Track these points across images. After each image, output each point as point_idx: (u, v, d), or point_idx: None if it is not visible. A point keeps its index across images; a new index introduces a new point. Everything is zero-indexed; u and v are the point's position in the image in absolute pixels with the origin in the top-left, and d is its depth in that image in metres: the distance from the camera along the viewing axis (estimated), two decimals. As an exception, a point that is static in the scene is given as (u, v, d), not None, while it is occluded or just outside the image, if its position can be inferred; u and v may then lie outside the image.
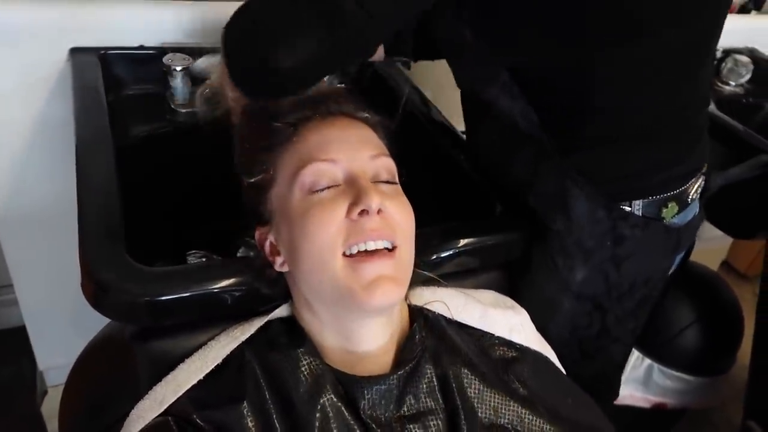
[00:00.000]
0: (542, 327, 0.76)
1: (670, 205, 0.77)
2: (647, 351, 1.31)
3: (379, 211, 0.57)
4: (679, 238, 0.80)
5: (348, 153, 0.60)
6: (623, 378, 1.33)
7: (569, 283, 0.80)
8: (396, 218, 0.59)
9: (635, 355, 1.33)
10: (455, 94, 0.91)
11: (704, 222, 1.39)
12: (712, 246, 2.07)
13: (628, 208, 0.75)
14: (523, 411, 0.61)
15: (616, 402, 1.34)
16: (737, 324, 1.35)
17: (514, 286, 0.84)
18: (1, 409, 1.38)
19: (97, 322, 0.74)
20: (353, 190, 0.58)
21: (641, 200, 0.75)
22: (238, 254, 0.73)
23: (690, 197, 0.79)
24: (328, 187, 0.58)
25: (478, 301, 0.72)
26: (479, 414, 0.59)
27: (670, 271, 0.87)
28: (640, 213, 0.75)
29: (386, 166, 0.62)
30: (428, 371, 0.60)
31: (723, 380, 1.37)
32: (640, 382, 1.34)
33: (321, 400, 0.56)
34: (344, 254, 0.56)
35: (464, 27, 0.75)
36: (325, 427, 0.55)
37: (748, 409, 1.19)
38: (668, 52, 0.69)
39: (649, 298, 0.86)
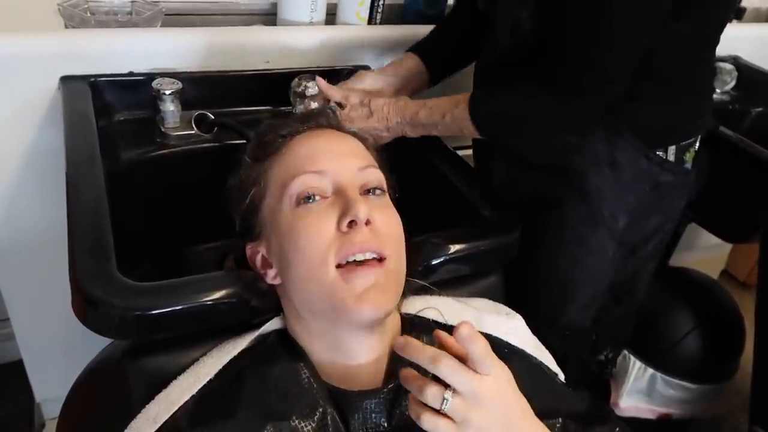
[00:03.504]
0: (587, 279, 0.92)
1: (690, 150, 0.90)
2: (649, 360, 1.31)
3: (367, 222, 0.57)
4: (690, 181, 0.92)
5: (336, 164, 0.61)
6: (626, 389, 1.33)
7: (614, 231, 0.90)
8: (384, 230, 0.59)
9: (637, 365, 1.32)
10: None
11: (702, 230, 1.41)
12: (711, 255, 2.07)
13: (663, 155, 0.87)
14: None
15: (620, 414, 1.33)
16: (737, 330, 1.35)
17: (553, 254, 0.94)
18: (0, 443, 1.37)
19: (94, 352, 0.74)
20: (341, 201, 0.58)
21: (674, 146, 0.87)
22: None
23: (698, 145, 0.92)
24: (317, 199, 0.59)
25: (473, 307, 0.72)
26: None
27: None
28: (672, 159, 0.88)
29: (375, 177, 0.63)
30: None
31: (727, 388, 1.36)
32: (643, 392, 1.33)
33: (315, 416, 0.56)
34: (337, 266, 0.57)
35: (523, 10, 0.83)
36: None
37: (753, 414, 1.17)
38: (709, 27, 0.84)
39: (665, 240, 0.99)
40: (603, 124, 0.85)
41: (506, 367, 0.52)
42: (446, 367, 0.48)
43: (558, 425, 0.61)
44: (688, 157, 0.90)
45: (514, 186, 0.95)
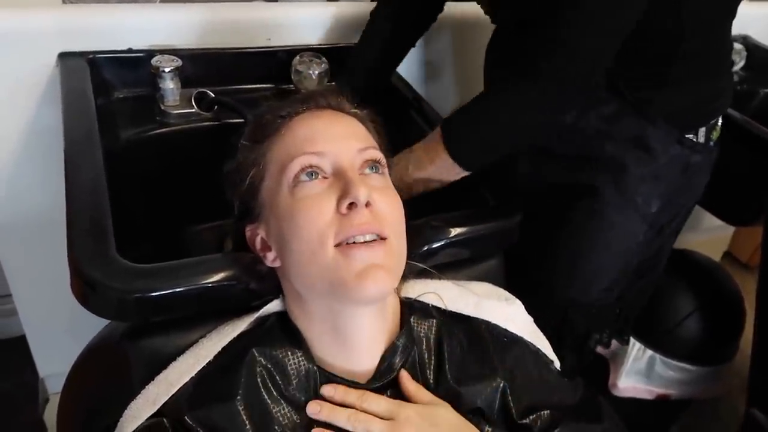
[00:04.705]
0: (617, 263, 0.93)
1: (717, 129, 0.90)
2: (649, 341, 1.31)
3: (367, 204, 0.56)
4: (715, 157, 0.92)
5: (336, 145, 0.60)
6: (625, 370, 1.34)
7: (646, 216, 0.90)
8: (384, 211, 0.58)
9: (636, 346, 1.32)
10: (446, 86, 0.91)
11: (705, 211, 1.40)
12: (714, 236, 2.06)
13: (694, 138, 0.87)
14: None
15: (618, 395, 1.34)
16: (738, 312, 1.35)
17: (579, 237, 0.94)
18: (5, 418, 1.38)
19: (96, 328, 0.74)
20: (341, 182, 0.57)
21: (704, 127, 0.87)
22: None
23: (720, 121, 0.92)
24: (316, 181, 0.58)
25: (473, 292, 0.72)
26: None
27: None
28: (703, 140, 0.87)
29: (375, 158, 0.62)
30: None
31: (726, 370, 1.37)
32: (642, 373, 1.34)
33: (308, 401, 0.57)
34: (335, 245, 0.56)
35: None
36: (314, 425, 0.56)
37: (751, 397, 1.18)
38: (730, 3, 0.83)
39: (687, 215, 1.01)
40: (636, 112, 0.84)
41: (411, 407, 0.58)
42: (361, 424, 0.56)
43: (545, 416, 0.62)
44: (715, 135, 0.91)
45: (541, 174, 0.95)
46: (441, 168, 0.79)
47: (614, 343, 1.34)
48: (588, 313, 0.99)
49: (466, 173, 0.79)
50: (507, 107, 0.76)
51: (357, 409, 0.58)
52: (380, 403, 0.58)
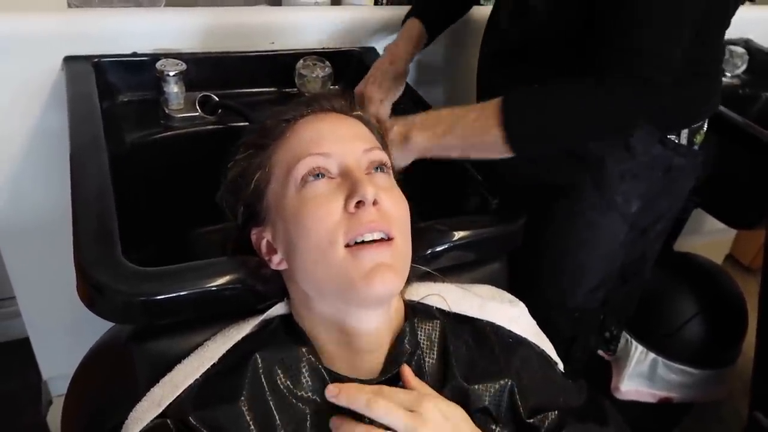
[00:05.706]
0: (599, 263, 0.93)
1: (701, 132, 0.91)
2: (651, 345, 1.31)
3: (374, 203, 0.57)
4: (699, 162, 0.93)
5: (341, 146, 0.60)
6: (627, 373, 1.34)
7: (626, 216, 0.91)
8: (391, 210, 0.59)
9: (639, 349, 1.32)
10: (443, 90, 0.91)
11: (707, 214, 1.40)
12: (715, 239, 2.07)
13: (676, 139, 0.88)
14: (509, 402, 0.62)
15: (620, 398, 1.34)
16: (740, 315, 1.35)
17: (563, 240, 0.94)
18: (8, 420, 1.39)
19: (99, 331, 0.74)
20: (348, 182, 0.58)
21: (687, 129, 0.88)
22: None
23: (706, 126, 0.92)
24: (323, 181, 0.59)
25: (477, 294, 0.72)
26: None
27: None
28: (685, 142, 0.88)
29: (380, 159, 0.62)
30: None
31: (728, 373, 1.37)
32: (645, 376, 1.34)
33: (315, 401, 0.58)
34: (345, 245, 0.57)
35: None
36: (320, 425, 0.56)
37: (755, 400, 1.18)
38: (723, 10, 0.84)
39: (672, 219, 1.01)
40: None
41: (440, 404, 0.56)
42: (382, 409, 0.52)
43: (553, 416, 0.63)
44: (698, 139, 0.90)
45: (524, 172, 0.95)
46: (488, 143, 0.75)
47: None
48: (572, 317, 0.99)
49: (509, 155, 0.76)
50: (580, 104, 0.74)
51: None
52: (398, 394, 0.56)
